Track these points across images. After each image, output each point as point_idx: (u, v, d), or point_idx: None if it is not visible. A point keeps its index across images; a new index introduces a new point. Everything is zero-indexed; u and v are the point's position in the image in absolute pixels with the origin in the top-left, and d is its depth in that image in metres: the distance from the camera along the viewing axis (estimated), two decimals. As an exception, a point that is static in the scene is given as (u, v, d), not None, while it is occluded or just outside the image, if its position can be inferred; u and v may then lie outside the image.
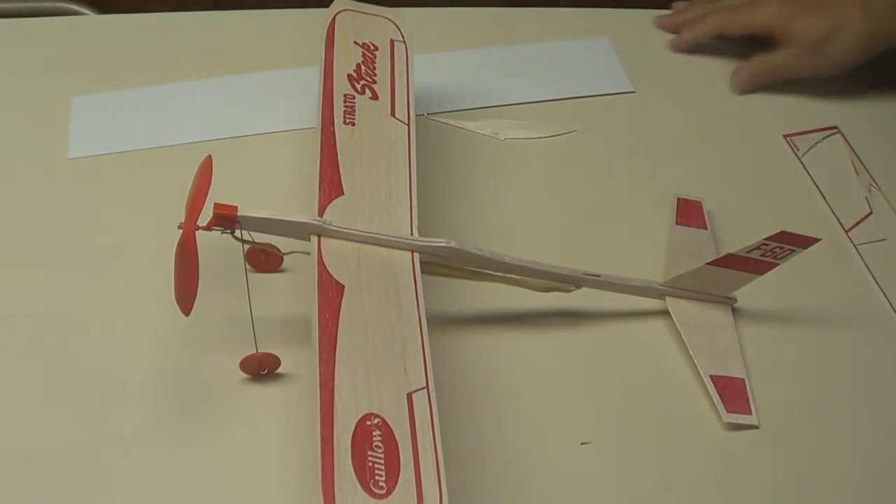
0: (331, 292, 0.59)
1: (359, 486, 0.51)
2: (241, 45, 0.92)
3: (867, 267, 0.79)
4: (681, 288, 0.73)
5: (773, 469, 0.67)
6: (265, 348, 0.66)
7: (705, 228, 0.80)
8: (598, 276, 0.70)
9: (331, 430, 0.53)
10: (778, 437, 0.68)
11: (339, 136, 0.69)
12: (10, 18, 0.98)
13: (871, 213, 0.84)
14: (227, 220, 0.62)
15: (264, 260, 0.71)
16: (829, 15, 0.89)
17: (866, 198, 0.85)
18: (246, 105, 0.87)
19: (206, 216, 0.61)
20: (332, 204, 0.65)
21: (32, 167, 0.80)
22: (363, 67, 0.74)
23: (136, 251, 0.74)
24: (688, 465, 0.67)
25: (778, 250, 0.69)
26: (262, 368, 0.67)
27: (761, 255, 0.69)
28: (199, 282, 0.62)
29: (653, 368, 0.71)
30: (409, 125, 0.72)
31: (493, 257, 0.67)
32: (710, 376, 0.70)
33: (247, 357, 0.66)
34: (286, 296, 0.71)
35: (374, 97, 0.72)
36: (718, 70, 0.95)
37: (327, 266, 0.61)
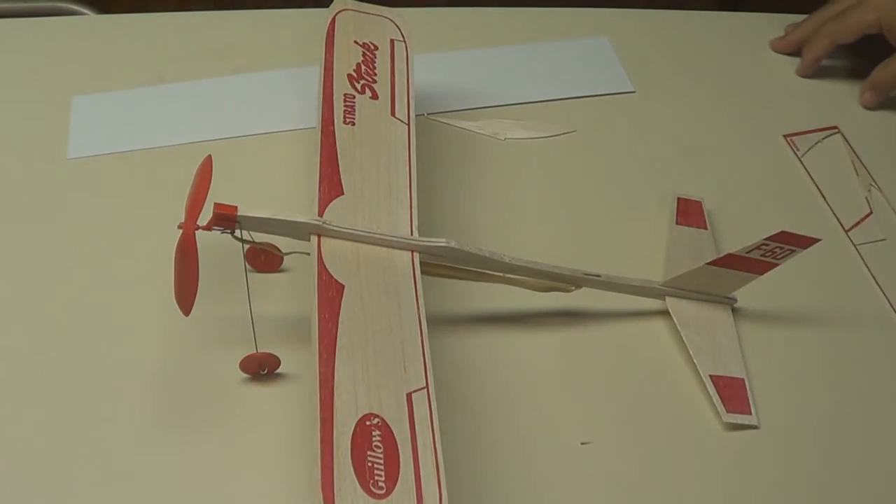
0: (331, 292, 0.59)
1: (358, 486, 0.51)
2: (241, 45, 0.92)
3: (867, 267, 0.79)
4: (681, 288, 0.73)
5: (772, 469, 0.67)
6: (265, 348, 0.66)
7: (705, 228, 0.80)
8: (598, 276, 0.70)
9: (330, 430, 0.53)
10: (778, 437, 0.68)
11: (339, 135, 0.69)
12: (10, 18, 0.98)
13: (871, 213, 0.84)
14: (227, 219, 0.62)
15: (264, 260, 0.71)
16: None
17: (866, 198, 0.85)
18: (246, 105, 0.87)
19: (206, 216, 0.61)
20: (331, 204, 0.65)
21: (32, 167, 0.80)
22: (363, 67, 0.74)
23: (136, 251, 0.74)
24: (688, 464, 0.67)
25: (778, 250, 0.69)
26: (262, 368, 0.67)
27: (761, 255, 0.69)
28: (199, 282, 0.62)
29: (653, 368, 0.71)
30: (409, 125, 0.72)
31: (493, 257, 0.67)
32: (710, 376, 0.70)
33: (247, 357, 0.66)
34: (286, 296, 0.71)
35: (374, 97, 0.72)
36: (718, 70, 0.95)
37: (327, 266, 0.61)
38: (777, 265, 0.70)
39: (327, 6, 0.77)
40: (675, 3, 1.04)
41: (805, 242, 0.68)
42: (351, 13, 0.77)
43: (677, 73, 0.94)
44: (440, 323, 0.69)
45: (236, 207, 0.62)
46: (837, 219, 0.83)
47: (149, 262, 0.71)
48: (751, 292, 0.73)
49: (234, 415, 0.66)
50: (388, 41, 0.77)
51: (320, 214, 0.64)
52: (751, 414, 0.69)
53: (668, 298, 0.73)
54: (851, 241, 0.81)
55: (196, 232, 0.60)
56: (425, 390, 0.56)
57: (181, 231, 0.60)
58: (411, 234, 0.65)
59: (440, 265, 0.67)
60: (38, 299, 0.72)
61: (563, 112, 0.89)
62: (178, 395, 0.67)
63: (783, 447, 0.68)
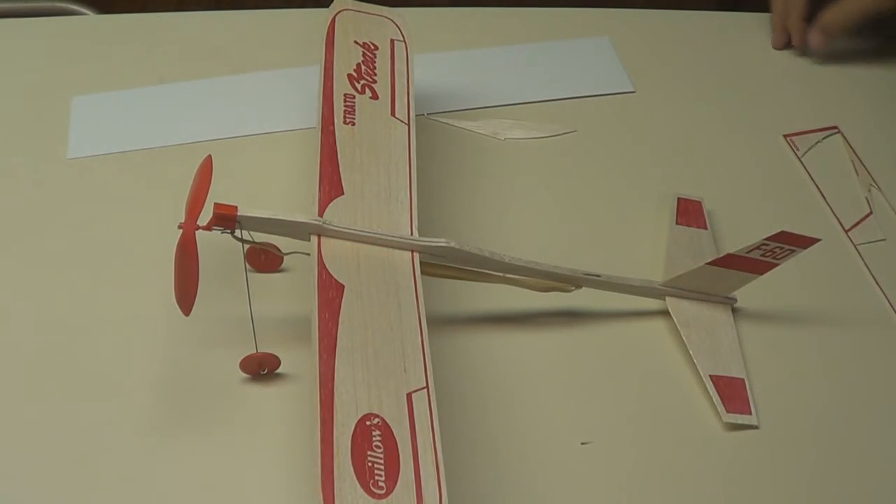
0: (331, 292, 0.59)
1: (358, 485, 0.51)
2: (241, 44, 0.92)
3: (867, 267, 0.79)
4: (681, 288, 0.73)
5: (772, 468, 0.67)
6: (265, 348, 0.66)
7: (705, 228, 0.80)
8: (598, 276, 0.70)
9: (331, 429, 0.53)
10: (777, 436, 0.68)
11: (339, 135, 0.69)
12: (10, 18, 0.98)
13: (871, 213, 0.84)
14: (227, 219, 0.62)
15: (264, 260, 0.71)
16: None
17: (866, 198, 0.85)
18: (246, 105, 0.87)
19: (206, 216, 0.61)
20: (332, 204, 0.65)
21: (32, 167, 0.80)
22: (363, 67, 0.74)
23: (135, 251, 0.74)
24: (687, 464, 0.67)
25: (778, 250, 0.69)
26: (262, 368, 0.67)
27: (761, 255, 0.69)
28: (199, 282, 0.62)
29: (653, 368, 0.71)
30: (409, 125, 0.72)
31: (493, 257, 0.67)
32: (710, 376, 0.70)
33: (247, 357, 0.66)
34: (286, 296, 0.71)
35: (375, 97, 0.72)
36: (719, 70, 0.95)
37: (327, 266, 0.61)
38: (777, 265, 0.70)
39: (327, 6, 0.77)
40: (675, 2, 1.04)
41: (805, 242, 0.68)
42: (351, 13, 0.77)
43: (678, 73, 0.94)
44: (440, 323, 0.69)
45: (236, 207, 0.62)
46: (837, 219, 0.83)
47: (149, 261, 0.71)
48: (751, 292, 0.73)
49: (234, 415, 0.66)
50: (388, 41, 0.77)
51: (320, 214, 0.64)
52: (751, 414, 0.69)
53: (668, 298, 0.73)
54: (851, 241, 0.81)
55: (196, 232, 0.60)
56: (425, 390, 0.56)
57: (181, 231, 0.60)
58: (411, 234, 0.65)
59: (440, 265, 0.67)
60: (38, 299, 0.72)
61: (563, 112, 0.89)
62: (178, 395, 0.67)
63: (783, 447, 0.68)
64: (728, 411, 0.68)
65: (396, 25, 0.78)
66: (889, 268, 0.80)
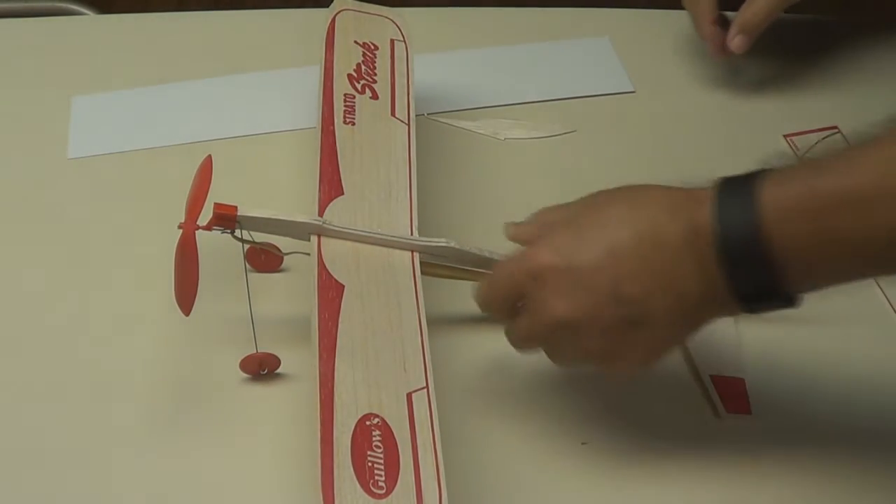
0: (331, 292, 0.59)
1: (358, 485, 0.51)
2: (241, 45, 0.92)
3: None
4: None
5: (772, 468, 0.67)
6: (265, 348, 0.66)
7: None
8: None
9: (330, 430, 0.53)
10: (777, 436, 0.68)
11: (339, 135, 0.69)
12: (10, 18, 0.98)
13: (871, 212, 0.84)
14: (227, 219, 0.62)
15: (264, 260, 0.71)
16: None
17: (866, 198, 0.85)
18: (245, 105, 0.87)
19: (206, 216, 0.61)
20: (331, 204, 0.65)
21: (32, 167, 0.80)
22: (363, 67, 0.74)
23: (135, 252, 0.74)
24: (687, 465, 0.67)
25: None
26: (262, 368, 0.67)
27: None
28: (199, 282, 0.62)
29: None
30: (409, 125, 0.72)
31: (492, 257, 0.67)
32: (711, 376, 0.70)
33: (247, 357, 0.66)
34: (286, 296, 0.71)
35: (375, 97, 0.72)
36: (719, 69, 0.95)
37: (327, 266, 0.61)
38: None
39: (326, 6, 0.77)
40: (675, 2, 1.04)
41: None
42: (351, 13, 0.77)
43: (678, 73, 0.94)
44: (440, 323, 0.69)
45: (236, 207, 0.62)
46: (838, 219, 0.83)
47: (148, 262, 0.71)
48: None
49: (234, 415, 0.66)
50: (389, 41, 0.77)
51: (320, 214, 0.64)
52: (750, 414, 0.69)
53: None
54: (851, 240, 0.81)
55: (196, 232, 0.60)
56: (425, 390, 0.56)
57: (181, 231, 0.60)
58: (411, 234, 0.65)
59: (440, 265, 0.67)
60: (38, 299, 0.72)
61: (563, 112, 0.89)
62: (179, 394, 0.67)
63: (782, 447, 0.68)
64: (728, 411, 0.68)
65: (396, 25, 0.78)
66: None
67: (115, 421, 0.65)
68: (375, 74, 0.74)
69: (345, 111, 0.71)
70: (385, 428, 0.53)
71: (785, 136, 0.89)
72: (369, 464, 0.52)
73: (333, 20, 0.76)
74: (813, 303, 0.75)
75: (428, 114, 0.87)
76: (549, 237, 0.59)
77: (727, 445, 0.68)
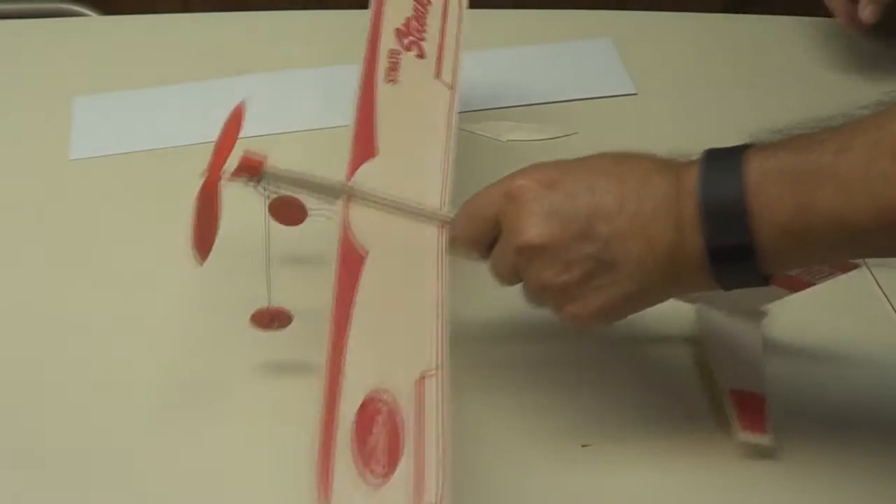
0: (353, 257, 0.56)
1: (355, 466, 0.49)
2: (245, 46, 0.92)
3: (867, 266, 0.79)
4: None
5: (772, 468, 0.67)
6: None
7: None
8: None
9: (334, 406, 0.50)
10: (777, 437, 0.68)
11: (380, 93, 0.65)
12: (13, 19, 0.98)
13: (872, 214, 0.83)
14: (253, 170, 0.59)
15: (288, 214, 0.65)
16: None
17: (868, 199, 0.85)
18: (249, 107, 0.87)
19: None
20: (363, 166, 0.61)
21: (34, 168, 0.81)
22: (413, 22, 0.70)
23: (137, 252, 0.74)
24: (689, 468, 0.66)
25: (818, 270, 0.65)
26: (273, 322, 0.64)
27: (798, 273, 0.65)
28: (215, 238, 0.59)
29: (657, 370, 0.71)
30: (453, 90, 0.68)
31: None
32: (730, 390, 0.67)
33: (259, 311, 0.64)
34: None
35: (421, 55, 0.68)
36: (720, 72, 0.95)
37: (352, 230, 0.58)
38: (814, 285, 0.66)
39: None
40: (679, 4, 1.04)
41: (846, 268, 0.65)
42: None
43: (679, 76, 0.94)
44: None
45: (265, 158, 0.59)
46: (839, 220, 0.83)
47: (150, 262, 0.71)
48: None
49: (236, 413, 0.66)
50: None
51: (351, 175, 0.61)
52: (765, 434, 0.66)
53: (697, 307, 0.70)
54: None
55: (219, 183, 0.58)
56: (437, 373, 0.53)
57: (204, 178, 0.58)
58: (442, 206, 0.62)
59: None
60: (39, 299, 0.72)
61: (564, 114, 0.89)
62: (181, 393, 0.67)
63: (783, 448, 0.68)
64: (742, 428, 0.66)
65: None
66: (889, 268, 0.79)
67: (115, 421, 0.65)
68: (425, 31, 0.69)
69: (388, 68, 0.66)
70: (392, 406, 0.51)
71: (787, 138, 0.89)
72: (371, 445, 0.49)
73: None
74: (812, 303, 0.75)
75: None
76: (532, 167, 0.60)
77: (728, 447, 0.67)
